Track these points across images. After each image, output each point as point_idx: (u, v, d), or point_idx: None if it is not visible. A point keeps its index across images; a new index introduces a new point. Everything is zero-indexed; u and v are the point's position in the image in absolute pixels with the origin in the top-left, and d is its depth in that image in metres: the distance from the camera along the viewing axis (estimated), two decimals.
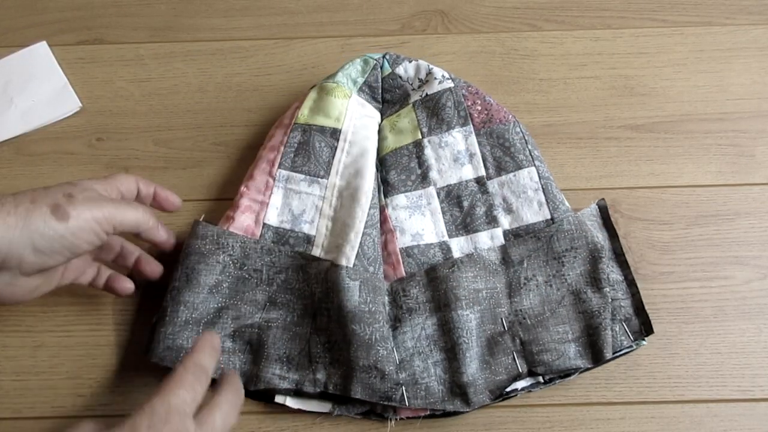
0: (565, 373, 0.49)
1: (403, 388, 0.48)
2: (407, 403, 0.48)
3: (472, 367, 0.49)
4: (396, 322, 0.50)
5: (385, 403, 0.48)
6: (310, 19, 0.68)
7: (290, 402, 0.49)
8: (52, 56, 0.66)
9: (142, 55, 0.66)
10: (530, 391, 0.50)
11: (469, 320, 0.50)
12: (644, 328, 0.50)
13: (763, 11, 0.67)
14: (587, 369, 0.50)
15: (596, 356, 0.49)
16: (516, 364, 0.49)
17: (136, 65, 0.66)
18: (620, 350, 0.50)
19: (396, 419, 0.49)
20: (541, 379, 0.50)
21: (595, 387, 0.50)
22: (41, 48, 0.66)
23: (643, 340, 0.51)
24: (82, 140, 0.62)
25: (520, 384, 0.49)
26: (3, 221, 0.40)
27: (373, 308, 0.49)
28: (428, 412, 0.49)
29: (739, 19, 0.67)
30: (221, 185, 0.59)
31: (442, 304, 0.51)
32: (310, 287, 0.51)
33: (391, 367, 0.48)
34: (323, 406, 0.50)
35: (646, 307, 0.52)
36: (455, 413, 0.49)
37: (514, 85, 0.64)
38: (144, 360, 0.51)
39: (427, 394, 0.48)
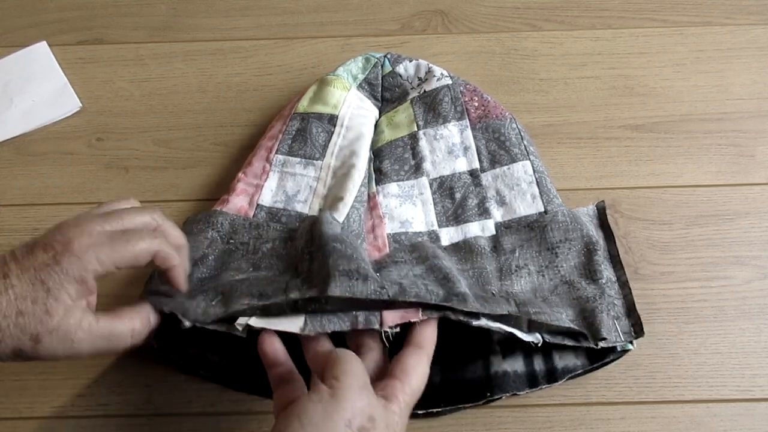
0: (568, 375, 0.48)
1: (388, 290, 0.43)
2: (396, 298, 0.42)
3: (466, 291, 0.45)
4: (381, 268, 0.48)
5: (372, 298, 0.42)
6: (310, 19, 0.68)
7: (254, 322, 0.42)
8: (52, 56, 0.66)
9: (142, 55, 0.66)
10: (502, 396, 0.48)
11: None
12: (635, 329, 0.49)
13: (763, 11, 0.67)
14: (587, 371, 0.49)
15: (594, 334, 0.47)
16: (510, 306, 0.46)
17: (136, 65, 0.66)
18: (612, 346, 0.48)
19: (383, 332, 0.42)
20: (539, 336, 0.45)
21: (595, 387, 0.50)
22: (41, 48, 0.66)
23: (631, 343, 0.49)
24: (82, 140, 0.62)
25: (519, 333, 0.45)
26: None
27: (354, 244, 0.47)
28: (420, 319, 0.42)
29: (739, 19, 0.67)
30: (221, 185, 0.59)
31: (430, 255, 0.49)
32: (295, 245, 0.50)
33: (374, 275, 0.44)
34: (293, 324, 0.42)
35: (646, 307, 0.52)
36: (444, 413, 0.48)
37: (514, 85, 0.64)
38: (144, 360, 0.51)
39: (418, 298, 0.43)
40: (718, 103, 0.62)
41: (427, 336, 0.43)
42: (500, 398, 0.48)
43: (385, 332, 0.42)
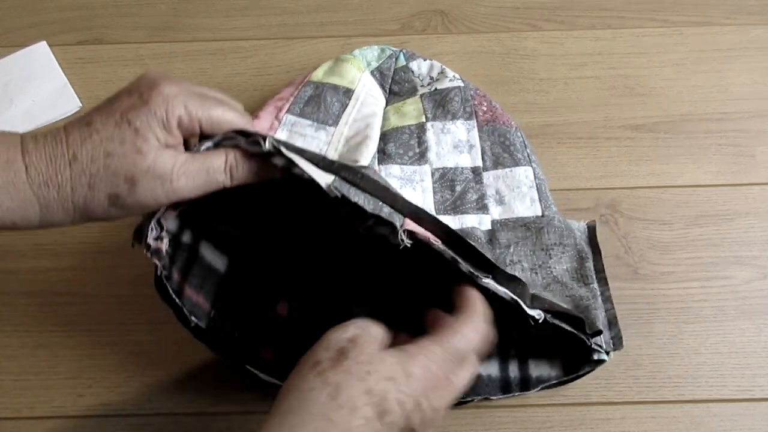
0: (541, 384, 0.48)
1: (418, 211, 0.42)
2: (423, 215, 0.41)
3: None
4: None
5: (403, 199, 0.41)
6: (310, 19, 0.68)
7: (286, 150, 0.39)
8: (52, 56, 0.66)
9: (142, 55, 0.66)
10: (474, 399, 0.48)
11: None
12: (614, 342, 0.49)
13: (763, 11, 0.67)
14: (561, 382, 0.48)
15: (590, 325, 0.46)
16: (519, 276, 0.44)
17: (136, 65, 0.66)
18: (597, 350, 0.47)
19: (399, 235, 0.40)
20: (541, 313, 0.44)
21: (595, 387, 0.50)
22: (41, 48, 0.66)
23: (608, 354, 0.49)
24: None
25: (523, 304, 0.43)
26: (60, 209, 0.36)
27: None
28: (436, 244, 0.40)
29: (739, 19, 0.67)
30: None
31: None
32: None
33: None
34: (324, 177, 0.39)
35: (646, 307, 0.52)
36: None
37: (514, 85, 0.64)
38: (144, 360, 0.51)
39: (440, 224, 0.42)
40: (718, 103, 0.62)
41: (467, 298, 0.40)
42: (471, 401, 0.48)
43: (401, 238, 0.40)
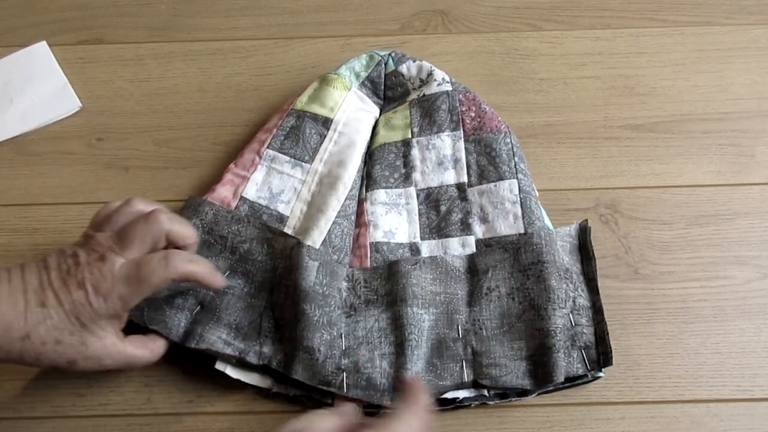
0: (517, 393, 0.49)
1: (344, 374, 0.47)
2: (345, 391, 0.47)
3: (418, 366, 0.48)
4: (351, 310, 0.50)
5: (324, 387, 0.47)
6: (310, 19, 0.68)
7: (230, 371, 0.49)
8: (52, 56, 0.66)
9: (142, 55, 0.66)
10: (471, 404, 0.49)
11: (422, 320, 0.49)
12: (603, 359, 0.49)
13: (763, 11, 0.67)
14: (545, 391, 0.49)
15: (545, 378, 0.48)
16: (463, 372, 0.48)
17: (136, 65, 0.66)
18: (575, 376, 0.49)
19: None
20: (485, 392, 0.48)
21: (595, 387, 0.50)
22: (41, 48, 0.66)
23: (601, 371, 0.49)
24: (82, 140, 0.62)
25: (462, 393, 0.48)
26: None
27: (327, 292, 0.49)
28: (365, 404, 0.47)
29: (739, 19, 0.67)
30: None
31: (398, 299, 0.50)
32: (273, 261, 0.51)
33: (335, 352, 0.48)
34: (263, 381, 0.49)
35: (646, 307, 0.52)
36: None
37: (514, 85, 0.64)
38: None
39: (367, 384, 0.47)
40: (718, 103, 0.62)
41: (410, 388, 0.44)
42: (469, 406, 0.49)
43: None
